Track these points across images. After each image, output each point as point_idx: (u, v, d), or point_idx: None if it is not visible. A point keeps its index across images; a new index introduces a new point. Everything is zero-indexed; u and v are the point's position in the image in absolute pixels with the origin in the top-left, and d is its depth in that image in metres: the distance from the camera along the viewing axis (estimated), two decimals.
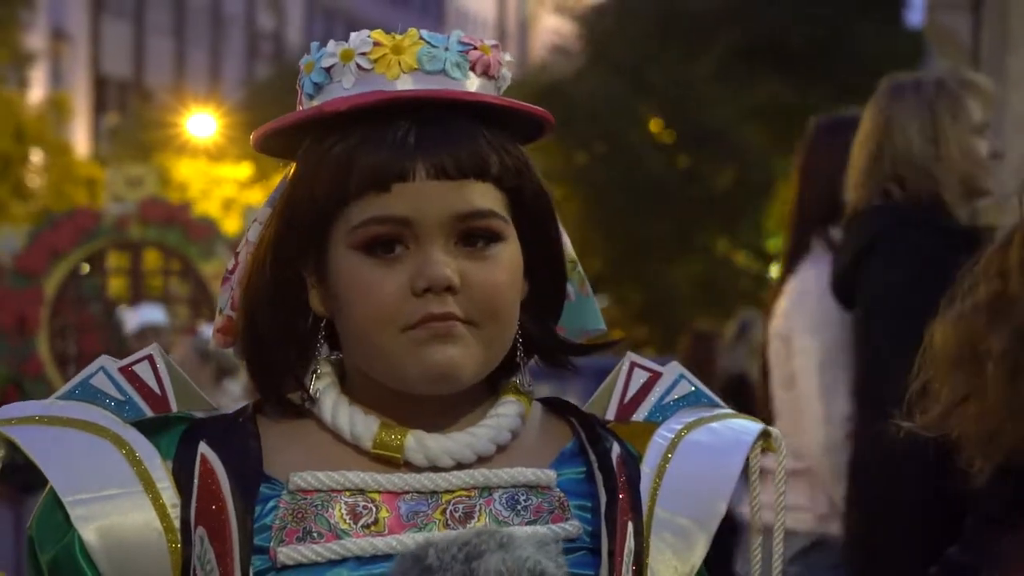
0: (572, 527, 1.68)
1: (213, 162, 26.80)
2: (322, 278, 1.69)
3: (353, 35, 1.70)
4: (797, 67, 25.11)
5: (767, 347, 4.30)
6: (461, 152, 1.64)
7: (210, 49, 44.27)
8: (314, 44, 1.72)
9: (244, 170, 26.55)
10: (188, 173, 26.49)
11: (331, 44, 1.70)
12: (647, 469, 1.73)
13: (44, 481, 1.66)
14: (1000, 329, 2.23)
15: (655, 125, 26.48)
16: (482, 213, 1.65)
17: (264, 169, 24.67)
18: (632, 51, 25.41)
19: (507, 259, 1.67)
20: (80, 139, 35.19)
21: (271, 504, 1.65)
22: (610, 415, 1.80)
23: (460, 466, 1.68)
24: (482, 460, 1.69)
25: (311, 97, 1.70)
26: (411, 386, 1.65)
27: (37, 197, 25.35)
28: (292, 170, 1.71)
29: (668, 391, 1.81)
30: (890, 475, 3.64)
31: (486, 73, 1.70)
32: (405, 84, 1.67)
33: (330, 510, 1.64)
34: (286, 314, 1.70)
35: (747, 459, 1.76)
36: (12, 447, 1.67)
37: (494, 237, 1.66)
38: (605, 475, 1.69)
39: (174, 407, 1.72)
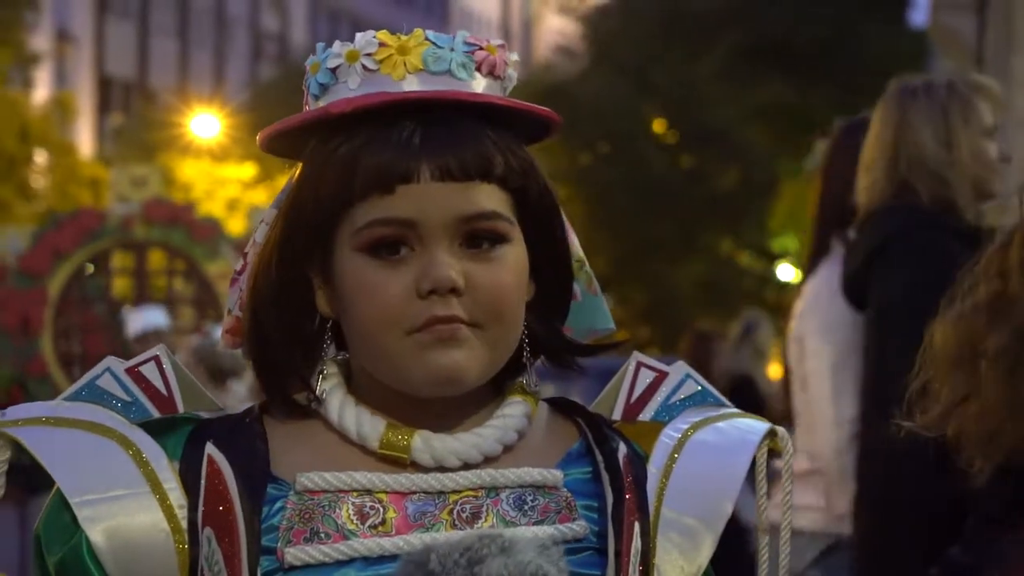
0: (579, 527, 1.67)
1: (217, 163, 26.80)
2: (328, 279, 1.69)
3: (359, 36, 1.70)
4: (800, 67, 25.14)
5: (787, 349, 4.34)
6: (466, 153, 1.64)
7: (214, 50, 44.27)
8: (320, 45, 1.72)
9: (248, 170, 26.55)
10: (192, 174, 26.49)
11: (337, 45, 1.70)
12: (654, 469, 1.73)
13: (48, 482, 1.65)
14: (1000, 329, 2.23)
15: (659, 125, 26.51)
16: (486, 215, 1.65)
17: (268, 170, 24.68)
18: (636, 51, 25.43)
19: (512, 260, 1.67)
20: (84, 139, 35.20)
21: (278, 505, 1.64)
22: (616, 415, 1.80)
23: (467, 466, 1.68)
24: (489, 460, 1.69)
25: (317, 98, 1.70)
26: (416, 389, 1.65)
27: (41, 197, 25.36)
28: (298, 171, 1.71)
29: (674, 391, 1.81)
30: (893, 476, 3.65)
31: (492, 73, 1.70)
32: (411, 85, 1.67)
33: (337, 510, 1.64)
34: (291, 315, 1.70)
35: (754, 459, 1.76)
36: (16, 448, 1.67)
37: (499, 238, 1.66)
38: (612, 475, 1.69)
39: (181, 408, 1.72)
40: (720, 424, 1.78)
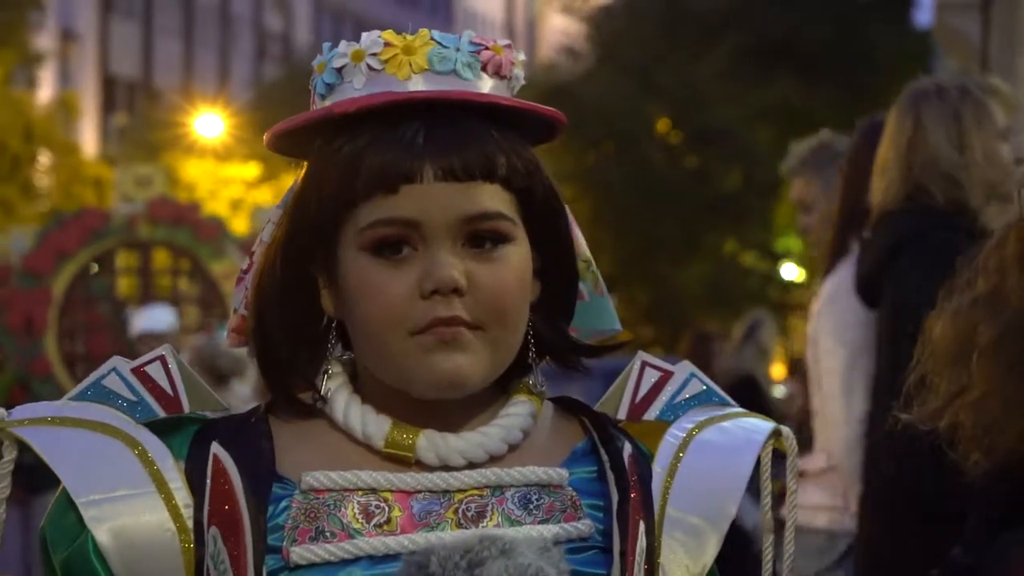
0: (584, 526, 1.68)
1: (220, 162, 26.81)
2: (332, 279, 1.69)
3: (364, 35, 1.70)
4: (805, 68, 25.13)
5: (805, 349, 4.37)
6: (469, 154, 1.64)
7: (218, 50, 44.28)
8: (326, 45, 1.72)
9: (252, 170, 26.56)
10: (196, 173, 26.50)
11: (343, 44, 1.70)
12: (659, 468, 1.73)
13: (51, 482, 1.65)
14: (996, 323, 2.23)
15: (663, 125, 26.50)
16: (489, 215, 1.65)
17: (272, 169, 24.69)
18: (640, 51, 25.42)
19: (515, 261, 1.67)
20: (88, 139, 35.20)
21: (283, 504, 1.65)
22: (622, 414, 1.80)
23: (472, 465, 1.68)
24: (494, 459, 1.69)
25: (323, 97, 1.70)
26: (418, 392, 1.66)
27: (45, 197, 25.35)
28: (303, 170, 1.72)
29: (679, 390, 1.81)
30: (895, 474, 3.65)
31: (498, 73, 1.70)
32: (416, 85, 1.67)
33: (342, 509, 1.64)
34: (296, 314, 1.70)
35: (759, 458, 1.76)
36: (21, 448, 1.67)
37: (502, 239, 1.66)
38: (617, 474, 1.69)
39: (186, 408, 1.72)
40: (725, 424, 1.78)
